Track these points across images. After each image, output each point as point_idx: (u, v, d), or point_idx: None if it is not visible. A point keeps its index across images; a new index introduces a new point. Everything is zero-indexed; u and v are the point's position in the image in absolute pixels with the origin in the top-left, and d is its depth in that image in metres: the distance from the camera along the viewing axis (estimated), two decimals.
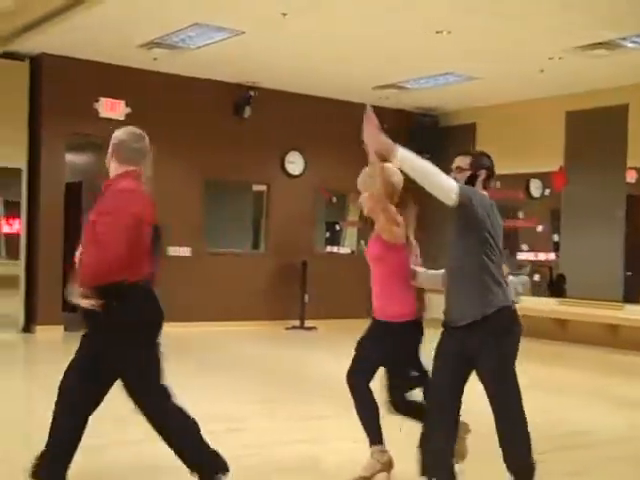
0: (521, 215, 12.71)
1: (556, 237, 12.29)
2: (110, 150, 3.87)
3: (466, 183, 3.69)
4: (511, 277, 12.14)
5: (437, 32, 8.71)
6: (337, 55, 9.99)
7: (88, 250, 3.64)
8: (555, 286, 12.06)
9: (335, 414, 6.12)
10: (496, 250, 3.63)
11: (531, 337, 11.45)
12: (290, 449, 5.04)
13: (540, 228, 12.47)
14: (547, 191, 12.41)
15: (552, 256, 12.36)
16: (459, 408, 3.61)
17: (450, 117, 13.38)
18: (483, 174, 3.75)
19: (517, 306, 3.90)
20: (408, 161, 3.56)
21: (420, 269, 4.19)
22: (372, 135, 3.75)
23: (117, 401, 3.78)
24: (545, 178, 12.33)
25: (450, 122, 13.31)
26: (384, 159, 3.84)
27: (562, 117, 11.84)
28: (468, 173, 3.75)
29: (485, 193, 3.73)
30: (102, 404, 3.79)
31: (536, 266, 12.58)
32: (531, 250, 12.62)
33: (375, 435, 4.24)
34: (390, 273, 4.21)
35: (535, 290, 12.24)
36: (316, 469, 4.68)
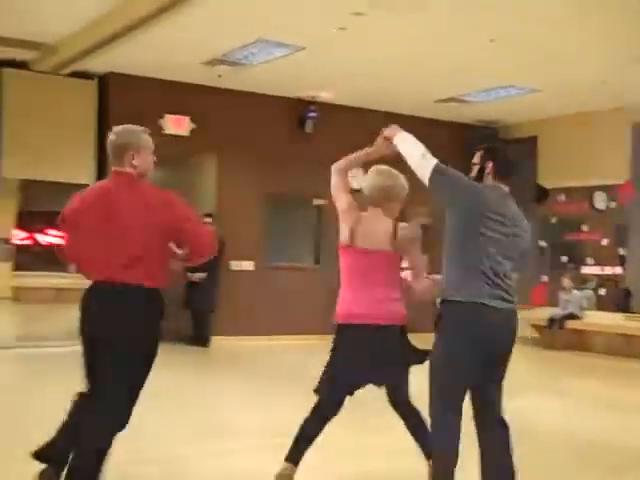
0: (585, 228, 12.53)
1: (622, 251, 12.06)
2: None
3: (476, 177, 3.76)
4: (575, 291, 11.97)
5: (491, 40, 8.60)
6: (398, 69, 10.03)
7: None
8: (621, 301, 11.81)
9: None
10: (489, 249, 3.59)
11: (597, 353, 11.35)
12: (359, 460, 5.04)
13: (605, 242, 12.26)
14: (612, 204, 12.21)
15: (618, 270, 12.13)
16: None
17: (511, 130, 13.26)
18: (489, 167, 3.75)
19: (581, 321, 3.86)
20: (403, 143, 3.86)
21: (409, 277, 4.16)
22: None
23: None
24: (610, 191, 12.13)
25: (511, 134, 13.20)
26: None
27: (628, 129, 11.64)
28: (477, 167, 3.80)
29: (497, 185, 3.75)
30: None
31: (602, 280, 12.35)
32: (597, 264, 12.40)
33: None
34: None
35: (601, 305, 12.01)
36: None
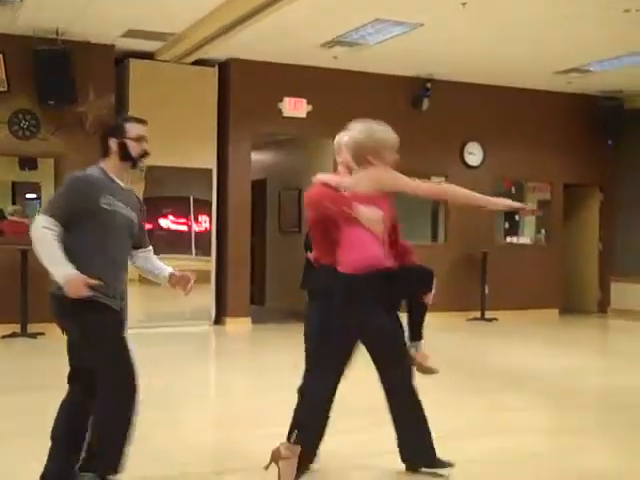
0: None
1: None
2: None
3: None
4: None
5: (625, 11, 8.36)
6: (517, 42, 9.81)
7: None
8: None
9: (524, 406, 6.08)
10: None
11: None
12: (480, 440, 5.03)
13: None
14: None
15: None
16: None
17: (637, 99, 12.76)
18: (113, 144, 3.78)
19: None
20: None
21: None
22: None
23: None
24: None
25: (637, 104, 12.70)
26: None
27: None
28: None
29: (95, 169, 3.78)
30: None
31: None
32: None
33: None
34: None
35: None
36: (503, 461, 4.62)
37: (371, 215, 3.97)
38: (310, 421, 4.04)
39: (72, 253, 3.57)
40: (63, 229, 3.59)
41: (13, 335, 9.34)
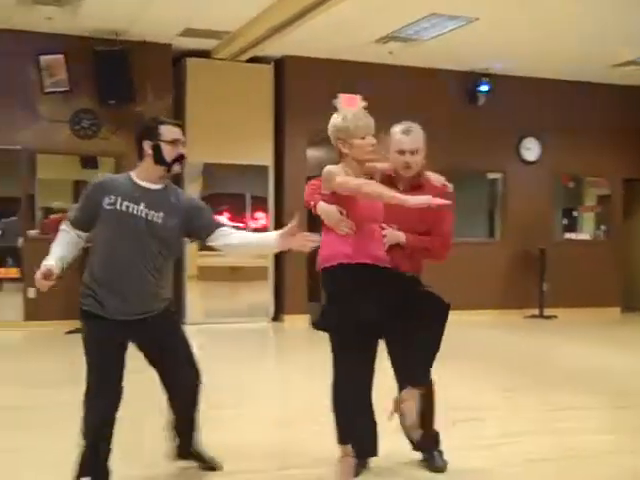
0: None
1: None
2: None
3: None
4: None
5: None
6: (574, 34, 9.66)
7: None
8: None
9: (582, 405, 5.99)
10: None
11: None
12: (537, 439, 4.96)
13: None
14: None
15: None
16: None
17: None
18: (147, 147, 3.70)
19: None
20: None
21: None
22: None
23: None
24: None
25: None
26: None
27: None
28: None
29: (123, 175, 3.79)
30: None
31: None
32: None
33: None
34: None
35: None
36: (566, 459, 4.55)
37: (327, 213, 3.84)
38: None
39: (91, 255, 3.74)
40: (87, 232, 3.74)
41: (77, 331, 9.51)
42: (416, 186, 4.08)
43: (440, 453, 4.21)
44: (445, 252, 4.25)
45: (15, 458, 4.44)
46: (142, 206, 3.65)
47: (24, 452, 4.52)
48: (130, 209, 3.63)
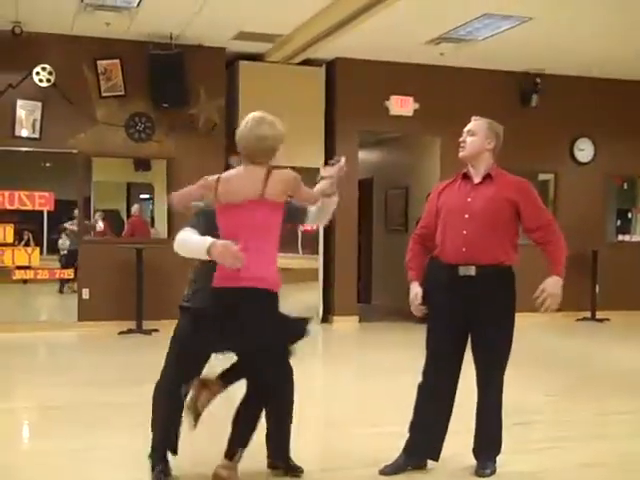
0: None
1: None
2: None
3: None
4: None
5: None
6: (626, 33, 9.51)
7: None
8: None
9: (635, 409, 5.91)
10: None
11: None
12: (586, 444, 4.92)
13: None
14: None
15: None
16: None
17: None
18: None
19: None
20: None
21: None
22: None
23: None
24: None
25: None
26: None
27: None
28: None
29: None
30: None
31: None
32: None
33: None
34: None
35: None
36: (614, 465, 4.50)
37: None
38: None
39: None
40: None
41: (129, 332, 9.75)
42: (487, 176, 4.29)
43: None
44: (562, 239, 4.35)
45: (88, 457, 4.53)
46: None
47: (97, 451, 4.62)
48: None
